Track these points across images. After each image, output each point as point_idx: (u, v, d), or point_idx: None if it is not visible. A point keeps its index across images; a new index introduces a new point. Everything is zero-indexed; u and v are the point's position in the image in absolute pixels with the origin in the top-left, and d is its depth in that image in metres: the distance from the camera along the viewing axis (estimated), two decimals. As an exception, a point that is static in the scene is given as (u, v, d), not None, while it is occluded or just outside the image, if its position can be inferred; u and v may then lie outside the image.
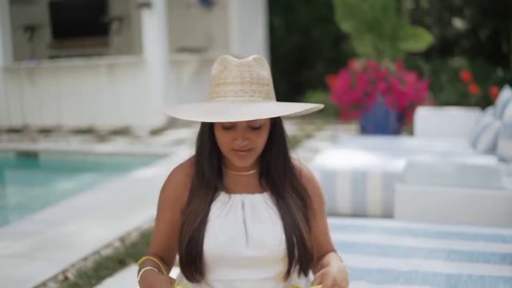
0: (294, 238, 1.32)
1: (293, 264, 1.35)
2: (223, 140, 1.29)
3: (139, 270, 1.29)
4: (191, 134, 7.71)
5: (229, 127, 1.27)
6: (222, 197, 1.36)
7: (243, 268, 1.33)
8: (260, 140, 1.29)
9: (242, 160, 1.30)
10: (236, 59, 1.29)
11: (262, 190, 1.37)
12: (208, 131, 1.34)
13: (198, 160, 1.38)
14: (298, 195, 1.38)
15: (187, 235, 1.31)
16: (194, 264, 1.32)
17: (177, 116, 1.25)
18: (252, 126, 1.27)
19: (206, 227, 1.31)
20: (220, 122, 1.26)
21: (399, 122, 6.71)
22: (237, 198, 1.36)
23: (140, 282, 1.27)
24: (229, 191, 1.37)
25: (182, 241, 1.32)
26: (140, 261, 1.36)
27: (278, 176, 1.36)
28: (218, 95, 1.27)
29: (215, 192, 1.36)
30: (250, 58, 1.30)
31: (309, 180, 1.44)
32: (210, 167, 1.36)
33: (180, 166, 1.42)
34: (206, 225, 1.31)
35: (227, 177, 1.39)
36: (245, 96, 1.24)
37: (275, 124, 1.35)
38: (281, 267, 1.35)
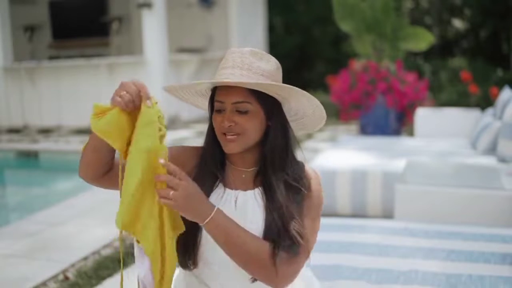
0: (275, 236, 1.27)
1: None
2: (215, 123, 1.33)
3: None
4: (191, 134, 7.71)
5: (219, 109, 1.31)
6: (218, 190, 1.37)
7: (232, 269, 1.31)
8: (247, 126, 1.29)
9: (229, 144, 1.31)
10: (235, 48, 1.35)
11: (254, 187, 1.37)
12: (211, 119, 1.37)
13: (203, 148, 1.41)
14: (296, 189, 1.33)
15: (184, 222, 1.31)
16: (188, 253, 1.33)
17: (173, 89, 1.37)
18: (239, 110, 1.29)
19: None
20: (215, 104, 1.32)
21: (399, 122, 6.71)
22: (231, 194, 1.36)
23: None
24: (225, 185, 1.38)
25: None
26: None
27: (274, 169, 1.34)
28: (214, 78, 1.33)
29: (215, 183, 1.37)
30: (247, 48, 1.34)
31: (312, 181, 1.38)
32: (212, 156, 1.38)
33: (194, 146, 1.45)
34: None
35: (228, 171, 1.40)
36: (233, 79, 1.28)
37: (272, 118, 1.33)
38: None
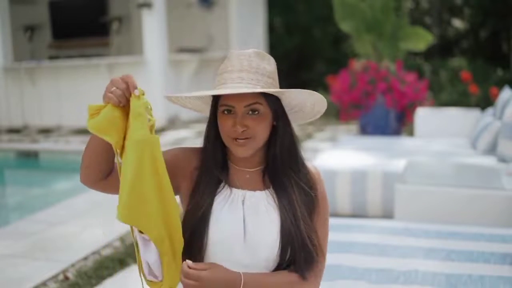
0: (292, 236, 1.30)
1: (283, 265, 1.33)
2: (224, 126, 1.30)
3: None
4: (191, 134, 7.71)
5: (228, 110, 1.29)
6: (224, 190, 1.36)
7: (238, 268, 1.31)
8: (259, 129, 1.29)
9: (241, 149, 1.30)
10: (238, 51, 1.33)
11: (263, 188, 1.37)
12: (213, 121, 1.35)
13: (203, 150, 1.39)
14: (304, 191, 1.36)
15: (190, 225, 1.31)
16: (193, 255, 1.32)
17: (175, 97, 1.36)
18: (252, 109, 1.28)
19: (210, 219, 1.32)
20: (222, 107, 1.30)
21: (399, 122, 6.71)
22: (238, 193, 1.35)
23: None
24: (231, 186, 1.37)
25: (184, 230, 1.30)
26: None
27: (283, 170, 1.35)
28: (219, 83, 1.31)
29: (218, 184, 1.36)
30: (250, 50, 1.33)
31: (317, 183, 1.41)
32: (214, 158, 1.37)
33: (192, 147, 1.44)
34: (210, 217, 1.32)
35: (230, 171, 1.39)
36: (242, 82, 1.27)
37: (279, 118, 1.34)
38: (274, 267, 1.34)
